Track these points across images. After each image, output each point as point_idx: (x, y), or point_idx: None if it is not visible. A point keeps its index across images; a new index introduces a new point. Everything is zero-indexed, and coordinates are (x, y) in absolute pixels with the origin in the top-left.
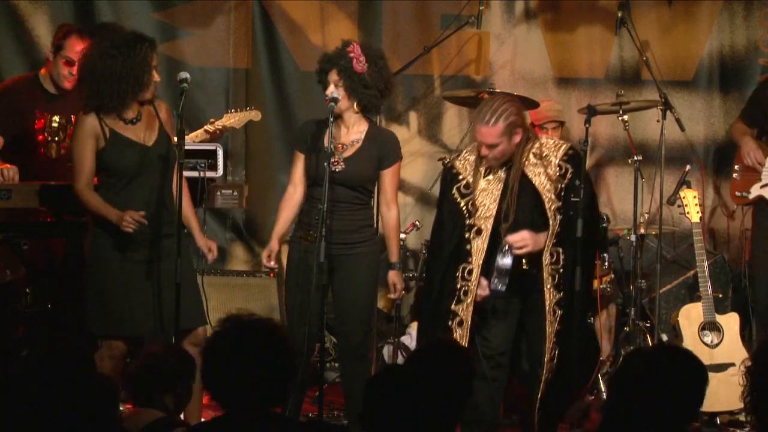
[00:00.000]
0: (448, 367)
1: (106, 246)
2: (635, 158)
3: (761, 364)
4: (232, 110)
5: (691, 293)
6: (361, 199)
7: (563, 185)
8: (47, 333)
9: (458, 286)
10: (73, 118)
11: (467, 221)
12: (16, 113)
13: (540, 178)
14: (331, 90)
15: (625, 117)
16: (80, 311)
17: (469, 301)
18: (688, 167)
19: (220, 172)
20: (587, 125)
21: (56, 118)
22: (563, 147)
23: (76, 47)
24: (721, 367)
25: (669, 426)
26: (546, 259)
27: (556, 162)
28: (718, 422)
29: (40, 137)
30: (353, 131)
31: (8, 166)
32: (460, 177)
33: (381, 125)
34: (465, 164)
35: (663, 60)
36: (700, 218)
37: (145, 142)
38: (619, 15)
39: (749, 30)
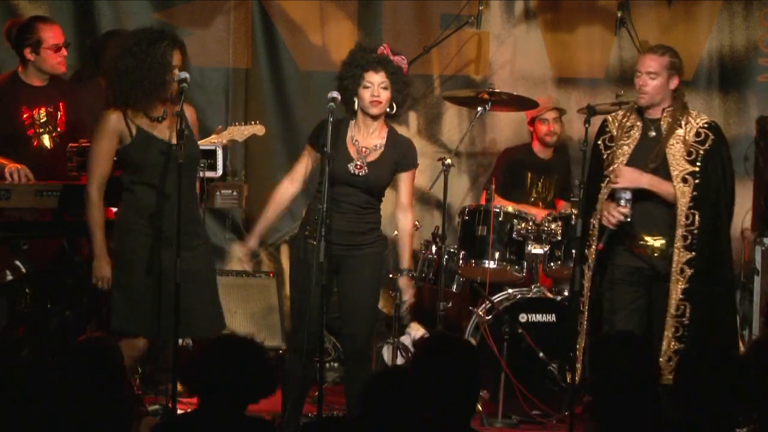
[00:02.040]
0: (452, 361)
1: (135, 243)
2: None
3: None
4: (236, 123)
5: None
6: (374, 204)
7: (702, 150)
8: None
9: (590, 232)
10: (60, 105)
11: (604, 172)
12: (4, 112)
13: (673, 144)
14: (374, 90)
15: None
16: (80, 311)
17: (593, 247)
18: None
19: (220, 172)
20: (587, 125)
21: (43, 110)
22: (705, 118)
23: (52, 32)
24: None
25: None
26: (681, 220)
27: (695, 129)
28: None
29: (30, 131)
30: (375, 135)
31: (18, 166)
32: (607, 130)
33: None
34: (614, 120)
35: None
36: None
37: (171, 140)
38: (619, 15)
39: (749, 30)
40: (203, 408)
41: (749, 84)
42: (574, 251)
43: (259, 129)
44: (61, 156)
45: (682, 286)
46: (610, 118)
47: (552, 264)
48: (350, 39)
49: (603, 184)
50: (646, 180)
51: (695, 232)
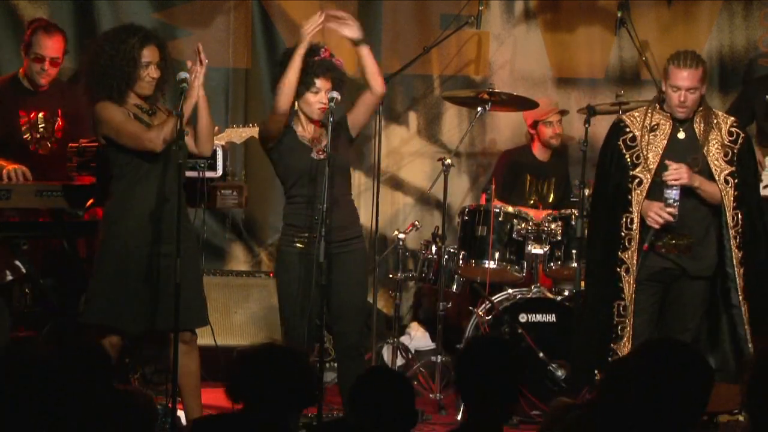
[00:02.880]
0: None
1: (119, 235)
2: None
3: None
4: (235, 125)
5: None
6: (348, 189)
7: (737, 149)
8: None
9: (623, 234)
10: (58, 111)
11: (630, 172)
12: (1, 115)
13: (711, 146)
14: (322, 96)
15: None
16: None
17: (633, 248)
18: None
19: (220, 172)
20: (587, 125)
21: (41, 115)
22: (731, 117)
23: (44, 43)
24: None
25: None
26: (729, 221)
27: (727, 129)
28: (717, 422)
29: (27, 136)
30: (314, 127)
31: (17, 166)
32: (627, 130)
33: (380, 126)
34: (633, 120)
35: (662, 60)
36: None
37: None
38: (619, 15)
39: (749, 30)
40: (246, 413)
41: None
42: (574, 251)
43: (257, 131)
44: (57, 161)
45: (742, 284)
46: (628, 119)
47: (552, 264)
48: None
49: (632, 185)
50: (698, 180)
51: (740, 231)
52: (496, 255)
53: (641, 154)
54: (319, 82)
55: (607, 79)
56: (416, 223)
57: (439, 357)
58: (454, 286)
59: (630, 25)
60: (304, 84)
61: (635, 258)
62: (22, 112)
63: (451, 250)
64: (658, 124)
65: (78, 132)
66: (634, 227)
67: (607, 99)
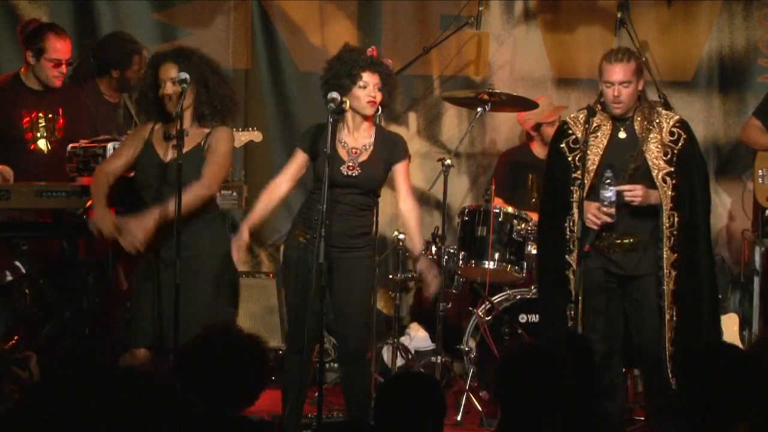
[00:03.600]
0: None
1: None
2: None
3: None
4: (235, 129)
5: None
6: (368, 205)
7: (677, 150)
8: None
9: (568, 236)
10: (60, 110)
11: (573, 174)
12: (1, 114)
13: (650, 145)
14: (370, 90)
15: None
16: (79, 312)
17: (575, 252)
18: None
19: None
20: (587, 125)
21: (42, 114)
22: (675, 116)
23: (57, 46)
24: None
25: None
26: (666, 222)
27: (668, 128)
28: None
29: (28, 135)
30: (364, 135)
31: (2, 167)
32: (570, 132)
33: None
34: (575, 121)
35: (662, 60)
36: None
37: (164, 158)
38: (619, 15)
39: (749, 30)
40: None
41: (749, 84)
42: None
43: (256, 135)
44: (58, 161)
45: (671, 288)
46: (571, 120)
47: None
48: (350, 39)
49: (574, 188)
50: (654, 196)
51: (675, 233)
52: (496, 255)
53: (583, 156)
54: (366, 76)
55: None
56: None
57: (439, 357)
58: (454, 287)
59: (630, 26)
60: (350, 78)
61: (575, 260)
62: (24, 111)
63: (451, 250)
64: (599, 126)
65: (78, 132)
66: (576, 229)
67: None
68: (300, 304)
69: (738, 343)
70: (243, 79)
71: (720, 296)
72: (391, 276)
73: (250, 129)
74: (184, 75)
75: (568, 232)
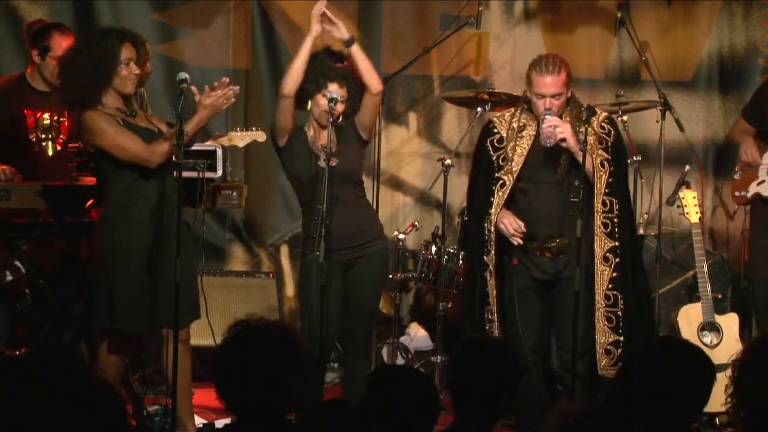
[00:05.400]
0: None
1: (121, 240)
2: (634, 159)
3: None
4: (237, 129)
5: (691, 294)
6: (359, 195)
7: (611, 142)
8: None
9: (486, 237)
10: (65, 111)
11: (495, 174)
12: (6, 114)
13: (582, 137)
14: (333, 90)
15: (625, 117)
16: (79, 312)
17: (494, 251)
18: (687, 168)
19: (220, 172)
20: (586, 126)
21: (47, 115)
22: (603, 114)
23: (62, 44)
24: (720, 368)
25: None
26: (599, 207)
27: (599, 122)
28: (717, 423)
29: (32, 136)
30: (326, 132)
31: (4, 167)
32: (495, 131)
33: (380, 126)
34: (502, 120)
35: (662, 60)
36: (700, 219)
37: (154, 128)
38: (619, 15)
39: (748, 30)
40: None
41: (749, 84)
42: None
43: (260, 135)
44: (62, 163)
45: (609, 275)
46: (497, 120)
47: None
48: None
49: (495, 187)
50: (579, 149)
51: (615, 220)
52: None
53: (506, 156)
54: (332, 87)
55: (606, 80)
56: (416, 223)
57: (439, 357)
58: (454, 287)
59: (630, 26)
60: (316, 85)
61: (495, 261)
62: (29, 111)
63: (451, 250)
64: (525, 126)
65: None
66: (494, 230)
67: (606, 99)
68: (318, 307)
69: (738, 343)
70: (243, 80)
71: (720, 296)
72: (391, 276)
73: (254, 129)
74: (185, 75)
75: (486, 233)
